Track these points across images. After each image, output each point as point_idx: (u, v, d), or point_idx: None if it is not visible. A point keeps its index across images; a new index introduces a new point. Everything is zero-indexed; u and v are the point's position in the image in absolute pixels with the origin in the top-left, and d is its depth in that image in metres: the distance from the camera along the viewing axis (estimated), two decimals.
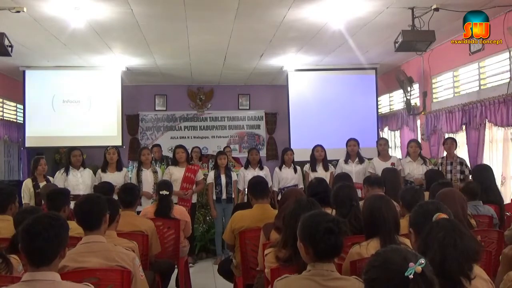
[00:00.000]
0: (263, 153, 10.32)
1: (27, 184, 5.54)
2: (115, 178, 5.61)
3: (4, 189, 3.83)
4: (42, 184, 5.50)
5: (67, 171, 5.68)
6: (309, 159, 6.32)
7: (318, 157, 6.20)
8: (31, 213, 2.79)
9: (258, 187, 3.78)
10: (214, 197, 6.06)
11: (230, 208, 5.90)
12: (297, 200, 2.76)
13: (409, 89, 7.98)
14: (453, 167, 5.69)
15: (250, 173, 6.01)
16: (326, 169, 6.17)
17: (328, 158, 6.36)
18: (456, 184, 5.44)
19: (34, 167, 5.66)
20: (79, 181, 5.65)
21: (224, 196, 6.04)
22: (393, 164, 5.97)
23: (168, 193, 4.39)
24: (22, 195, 5.47)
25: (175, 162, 6.03)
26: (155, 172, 5.97)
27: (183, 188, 5.87)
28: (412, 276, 1.34)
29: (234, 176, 6.20)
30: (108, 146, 6.06)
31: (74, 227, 2.64)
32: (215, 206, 6.06)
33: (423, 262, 1.37)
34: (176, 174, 5.89)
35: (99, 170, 5.84)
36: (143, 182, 5.80)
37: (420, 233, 2.03)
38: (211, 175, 6.15)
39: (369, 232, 2.62)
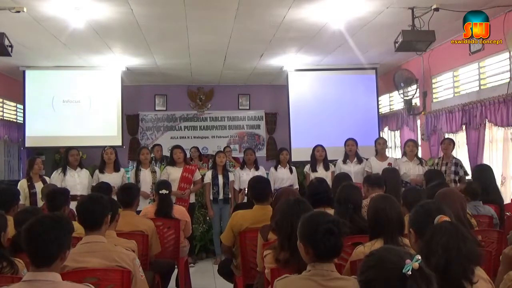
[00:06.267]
0: (263, 153, 10.35)
1: (22, 184, 5.50)
2: (113, 179, 5.55)
3: (10, 190, 3.85)
4: (37, 184, 5.49)
5: (64, 171, 5.65)
6: (309, 158, 6.31)
7: (318, 157, 6.19)
8: (32, 213, 2.80)
9: (258, 188, 3.74)
10: (211, 197, 6.06)
11: (227, 208, 5.91)
12: (285, 201, 2.74)
13: (409, 89, 7.96)
14: (447, 167, 5.69)
15: (245, 173, 6.02)
16: (326, 168, 6.15)
17: (329, 157, 6.35)
18: (450, 184, 5.43)
19: (29, 166, 5.62)
20: (77, 181, 5.62)
21: (221, 196, 6.04)
22: (390, 164, 5.96)
23: (168, 192, 4.39)
24: None
25: (172, 162, 6.03)
26: (153, 172, 5.95)
27: (181, 188, 5.87)
28: (410, 273, 1.34)
29: (231, 176, 6.20)
30: (106, 146, 6.02)
31: (75, 227, 2.64)
32: (212, 206, 6.06)
33: (419, 258, 1.37)
34: (174, 174, 5.89)
35: (97, 171, 5.79)
36: (141, 182, 5.77)
37: (421, 234, 2.03)
38: (208, 175, 6.15)
39: (373, 232, 2.62)
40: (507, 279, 2.07)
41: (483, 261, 2.16)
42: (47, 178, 5.75)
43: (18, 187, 5.49)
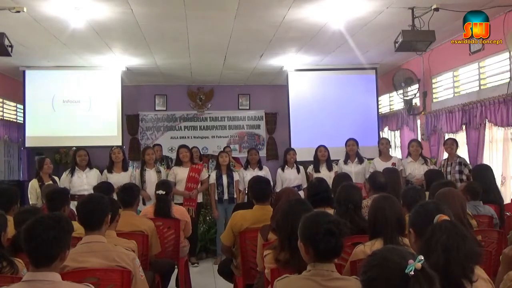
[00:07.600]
0: (263, 153, 10.32)
1: (33, 185, 5.59)
2: (122, 178, 5.62)
3: (8, 190, 3.84)
4: (48, 183, 5.54)
5: (72, 172, 5.71)
6: (309, 158, 6.30)
7: (321, 157, 6.17)
8: (31, 213, 2.80)
9: (258, 188, 3.74)
10: (216, 198, 6.06)
11: (232, 208, 5.91)
12: (287, 201, 2.75)
13: (409, 89, 7.96)
14: (452, 167, 5.67)
15: (249, 174, 6.01)
16: (329, 169, 6.13)
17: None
18: (456, 184, 5.42)
19: (39, 167, 5.73)
20: (84, 182, 5.69)
21: (226, 196, 6.05)
22: (394, 164, 5.96)
23: (164, 192, 4.37)
24: (29, 196, 5.55)
25: (179, 162, 6.03)
26: (158, 171, 5.97)
27: (188, 188, 5.89)
28: (413, 273, 1.34)
29: (236, 176, 6.20)
30: (113, 146, 6.11)
31: (75, 227, 2.64)
32: (217, 207, 6.06)
33: (422, 258, 1.37)
34: (181, 174, 5.91)
35: (105, 171, 5.87)
36: (146, 182, 5.80)
37: (420, 234, 2.03)
38: (213, 175, 6.16)
39: (373, 232, 2.62)
40: (507, 279, 2.07)
41: (483, 261, 2.16)
42: (56, 178, 5.82)
43: (30, 188, 5.60)
